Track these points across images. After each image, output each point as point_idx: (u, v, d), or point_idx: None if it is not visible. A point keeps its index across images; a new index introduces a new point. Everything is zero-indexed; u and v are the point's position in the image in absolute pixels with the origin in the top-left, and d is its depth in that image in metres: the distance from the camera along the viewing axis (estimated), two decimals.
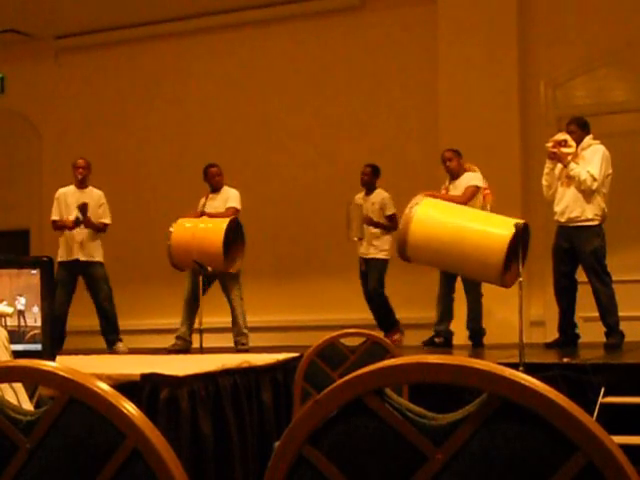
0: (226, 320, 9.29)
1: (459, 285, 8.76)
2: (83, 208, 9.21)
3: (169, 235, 8.97)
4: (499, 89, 9.88)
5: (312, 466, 1.22)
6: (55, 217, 9.39)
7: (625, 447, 1.18)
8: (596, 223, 7.95)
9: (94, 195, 9.48)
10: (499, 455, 1.14)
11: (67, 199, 9.39)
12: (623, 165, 9.62)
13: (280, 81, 11.47)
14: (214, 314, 9.00)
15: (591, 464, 1.09)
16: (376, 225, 9.32)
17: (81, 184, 9.46)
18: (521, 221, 7.45)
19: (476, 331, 8.74)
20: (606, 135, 8.86)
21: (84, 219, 9.22)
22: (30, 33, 12.35)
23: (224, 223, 8.94)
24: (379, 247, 9.33)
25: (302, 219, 11.00)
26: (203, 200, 9.43)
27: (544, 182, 8.21)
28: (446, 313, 8.77)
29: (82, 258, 9.23)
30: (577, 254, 8.04)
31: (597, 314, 8.07)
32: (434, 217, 7.81)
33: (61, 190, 9.49)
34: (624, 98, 10.00)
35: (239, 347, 9.11)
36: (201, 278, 8.63)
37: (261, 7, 11.48)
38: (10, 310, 3.80)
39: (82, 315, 9.41)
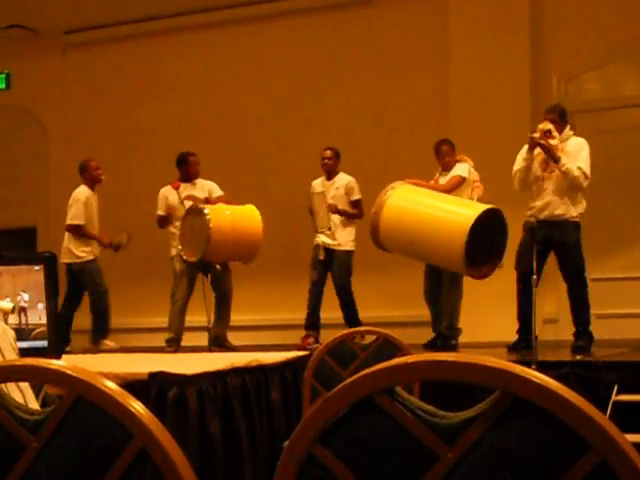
0: (233, 318, 9.24)
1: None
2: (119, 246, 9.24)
3: (207, 222, 8.04)
4: (511, 82, 9.81)
5: (322, 465, 1.22)
6: (81, 222, 9.07)
7: (639, 445, 1.17)
8: (578, 220, 7.51)
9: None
10: (511, 453, 1.13)
11: (91, 201, 9.19)
12: (634, 159, 9.60)
13: (288, 76, 11.43)
14: None
15: (604, 462, 1.09)
16: (341, 213, 8.69)
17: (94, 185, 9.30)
18: (492, 205, 7.20)
19: (450, 330, 8.06)
20: (618, 129, 8.83)
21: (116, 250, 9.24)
22: (36, 29, 12.36)
23: (258, 215, 8.52)
24: (344, 237, 8.71)
25: (307, 215, 10.97)
26: (174, 190, 8.74)
27: (519, 174, 7.49)
28: (440, 311, 8.19)
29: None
30: (556, 248, 7.57)
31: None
32: (407, 201, 7.51)
33: (85, 193, 9.21)
34: (637, 92, 9.92)
35: (227, 345, 8.61)
36: (202, 274, 8.50)
37: (269, 1, 11.47)
38: (10, 306, 3.78)
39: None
